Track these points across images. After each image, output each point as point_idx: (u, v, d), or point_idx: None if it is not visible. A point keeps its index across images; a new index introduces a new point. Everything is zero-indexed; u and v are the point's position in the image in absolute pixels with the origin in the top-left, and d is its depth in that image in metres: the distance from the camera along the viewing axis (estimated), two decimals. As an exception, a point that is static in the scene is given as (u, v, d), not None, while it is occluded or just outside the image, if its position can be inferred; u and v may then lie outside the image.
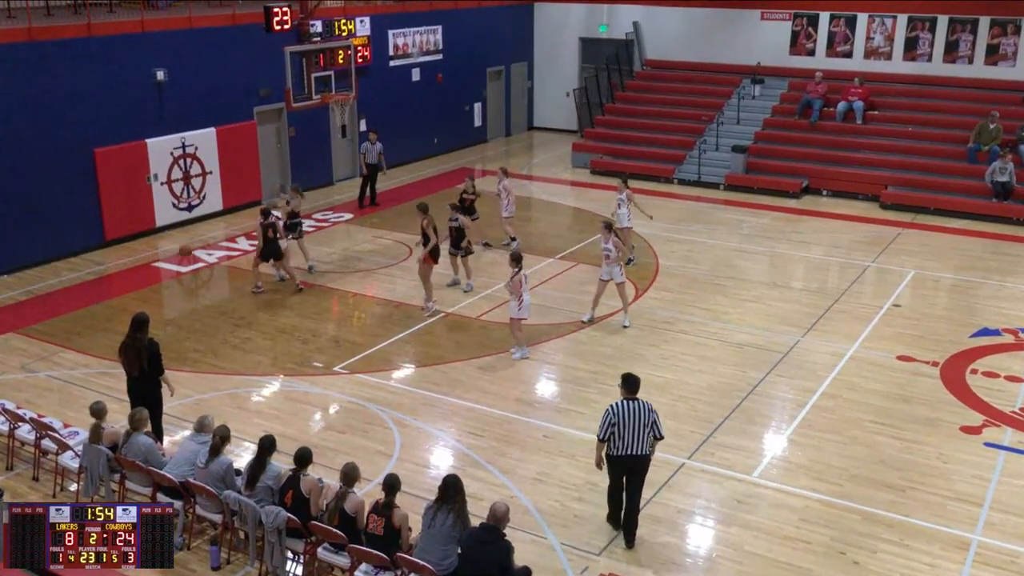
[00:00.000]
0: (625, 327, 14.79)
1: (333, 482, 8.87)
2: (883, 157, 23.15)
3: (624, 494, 9.43)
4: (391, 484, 8.29)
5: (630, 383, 9.30)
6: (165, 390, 10.84)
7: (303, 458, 8.84)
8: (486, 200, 19.20)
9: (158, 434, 10.62)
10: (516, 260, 13.52)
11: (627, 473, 9.31)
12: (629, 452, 9.12)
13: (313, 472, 9.01)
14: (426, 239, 15.12)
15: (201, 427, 9.54)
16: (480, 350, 14.10)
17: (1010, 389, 12.79)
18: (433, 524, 8.02)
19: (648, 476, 10.36)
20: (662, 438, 9.37)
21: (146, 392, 10.67)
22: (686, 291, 16.53)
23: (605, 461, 9.35)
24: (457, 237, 16.20)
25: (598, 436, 9.24)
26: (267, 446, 9.01)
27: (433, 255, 15.28)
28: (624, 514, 9.51)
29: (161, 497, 9.41)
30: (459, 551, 7.98)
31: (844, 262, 18.22)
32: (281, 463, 9.55)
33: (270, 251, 16.01)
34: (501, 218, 18.73)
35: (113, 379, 12.85)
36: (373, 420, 12.02)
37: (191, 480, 9.16)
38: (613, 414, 9.09)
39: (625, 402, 9.17)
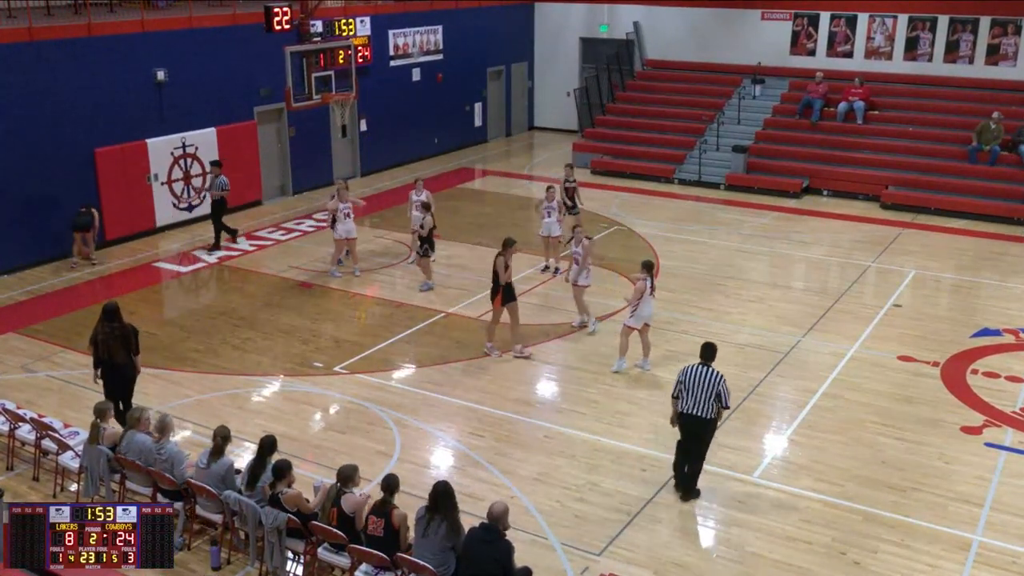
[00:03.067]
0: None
1: (332, 481, 8.84)
2: (884, 157, 23.14)
3: (686, 455, 10.10)
4: (390, 485, 8.27)
5: (706, 350, 10.09)
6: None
7: (280, 471, 8.69)
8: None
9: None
10: (647, 268, 13.17)
11: (690, 434, 9.95)
12: (690, 411, 9.81)
13: (314, 473, 8.99)
14: (495, 277, 13.62)
15: (162, 426, 9.40)
16: (480, 350, 14.08)
17: (1011, 389, 12.78)
18: (427, 533, 7.99)
19: (648, 475, 10.52)
20: (727, 407, 9.97)
21: (122, 379, 10.94)
22: (687, 291, 16.52)
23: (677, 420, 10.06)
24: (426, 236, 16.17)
25: (672, 394, 10.03)
26: (268, 446, 9.01)
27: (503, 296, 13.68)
28: (687, 473, 10.15)
29: (161, 498, 9.41)
30: (456, 556, 7.97)
31: (845, 262, 18.21)
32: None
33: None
34: (413, 230, 17.35)
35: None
36: (373, 420, 12.01)
37: (191, 480, 9.16)
38: (683, 375, 9.92)
39: (697, 366, 9.92)
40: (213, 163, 19.14)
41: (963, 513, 9.99)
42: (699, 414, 9.80)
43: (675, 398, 9.95)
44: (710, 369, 9.87)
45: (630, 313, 13.17)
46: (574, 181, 18.37)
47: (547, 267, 17.44)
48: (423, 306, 15.78)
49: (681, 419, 9.94)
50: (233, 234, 19.07)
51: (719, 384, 9.77)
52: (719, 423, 10.18)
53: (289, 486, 8.70)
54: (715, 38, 27.39)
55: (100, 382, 11.12)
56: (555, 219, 17.01)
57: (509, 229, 19.87)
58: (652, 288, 13.19)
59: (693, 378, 9.82)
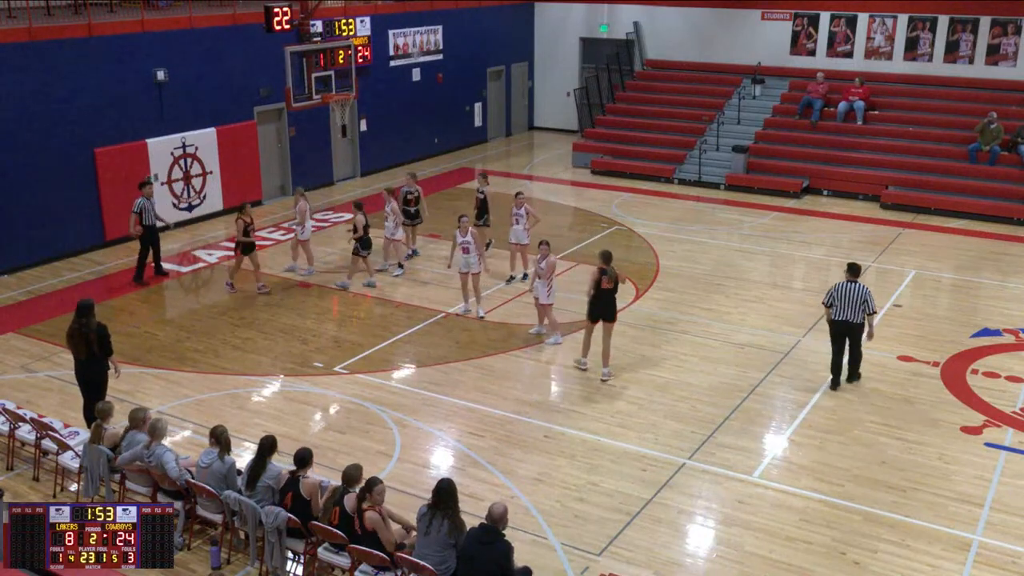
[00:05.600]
0: (481, 317, 15.21)
1: (336, 483, 8.84)
2: (884, 157, 23.14)
3: (847, 354, 12.63)
4: (347, 478, 8.53)
5: (853, 268, 12.58)
6: (111, 373, 11.27)
7: (303, 459, 8.83)
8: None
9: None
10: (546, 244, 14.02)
11: (845, 335, 12.46)
12: (843, 319, 12.38)
13: (315, 473, 8.99)
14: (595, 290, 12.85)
15: (153, 430, 9.37)
16: (480, 350, 14.09)
17: (1011, 389, 12.78)
18: (429, 531, 8.01)
19: (647, 475, 10.59)
20: (873, 313, 12.41)
21: (92, 376, 11.13)
22: (687, 291, 16.52)
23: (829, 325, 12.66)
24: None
25: (823, 303, 12.66)
26: (267, 446, 9.01)
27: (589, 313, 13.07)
28: (849, 364, 12.73)
29: (161, 497, 9.41)
30: (456, 555, 7.98)
31: (845, 262, 18.09)
32: (282, 463, 9.56)
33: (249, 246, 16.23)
34: (385, 239, 17.28)
35: (112, 380, 12.84)
36: (373, 420, 12.01)
37: (191, 480, 9.16)
38: (835, 289, 12.44)
39: (846, 283, 12.39)
40: (145, 183, 17.18)
41: (963, 513, 9.99)
42: (851, 320, 12.33)
43: (828, 307, 12.50)
44: (857, 284, 12.33)
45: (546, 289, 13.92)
46: (418, 190, 17.68)
47: (513, 277, 16.91)
48: (423, 306, 15.78)
49: (835, 326, 12.46)
50: (139, 277, 17.04)
51: (865, 295, 12.25)
52: (873, 324, 12.63)
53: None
54: (715, 38, 27.39)
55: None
56: (523, 226, 16.47)
57: (507, 231, 19.91)
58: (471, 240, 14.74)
59: (843, 292, 12.31)
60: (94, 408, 10.71)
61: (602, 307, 12.87)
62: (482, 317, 15.29)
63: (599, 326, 13.04)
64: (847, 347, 12.60)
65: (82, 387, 11.28)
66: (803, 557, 9.26)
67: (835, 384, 12.77)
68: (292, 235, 17.91)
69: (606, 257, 12.84)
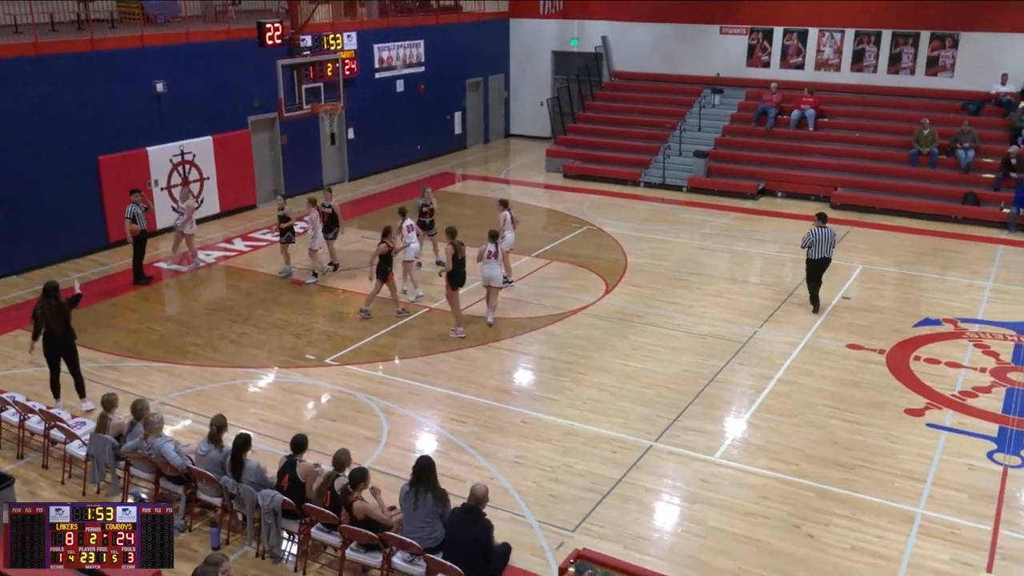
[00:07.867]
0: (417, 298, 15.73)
1: (328, 467, 8.81)
2: (833, 161, 23.29)
3: (816, 284, 15.12)
4: (337, 462, 8.55)
5: (822, 217, 15.07)
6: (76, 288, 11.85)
7: (299, 445, 8.79)
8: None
9: (79, 385, 11.59)
10: (493, 237, 14.40)
11: (819, 270, 14.97)
12: (822, 256, 14.87)
13: (308, 458, 8.95)
14: (453, 263, 13.85)
15: (147, 424, 9.29)
16: (461, 343, 14.07)
17: (950, 374, 12.91)
18: (417, 506, 8.01)
19: (617, 457, 10.62)
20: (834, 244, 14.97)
21: (68, 347, 11.58)
22: (653, 286, 16.57)
23: (806, 263, 15.10)
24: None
25: (802, 246, 15.08)
26: (241, 444, 8.85)
27: (451, 281, 14.03)
28: (816, 291, 15.14)
29: (164, 483, 9.34)
30: (443, 524, 7.99)
31: (797, 258, 18.21)
32: (280, 451, 9.51)
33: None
34: (310, 249, 16.75)
35: (118, 372, 12.76)
36: (362, 408, 11.97)
37: (192, 466, 9.10)
38: (812, 235, 14.84)
39: (819, 228, 14.81)
40: (135, 190, 16.57)
41: (907, 488, 10.09)
42: (827, 256, 14.87)
43: (807, 248, 14.86)
44: (828, 229, 14.84)
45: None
46: (432, 202, 17.42)
47: (508, 280, 16.45)
48: (409, 302, 15.72)
49: (812, 264, 14.93)
50: (140, 278, 16.74)
51: (834, 236, 14.92)
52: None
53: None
54: (677, 51, 27.45)
55: (39, 350, 11.61)
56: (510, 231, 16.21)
57: (486, 229, 19.87)
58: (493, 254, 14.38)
59: (819, 236, 14.73)
60: (67, 377, 11.22)
61: (462, 275, 13.99)
62: (419, 297, 15.74)
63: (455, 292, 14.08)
64: (818, 278, 15.02)
65: (54, 360, 11.51)
66: (761, 531, 9.32)
67: (817, 308, 15.09)
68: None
69: (453, 232, 14.13)
